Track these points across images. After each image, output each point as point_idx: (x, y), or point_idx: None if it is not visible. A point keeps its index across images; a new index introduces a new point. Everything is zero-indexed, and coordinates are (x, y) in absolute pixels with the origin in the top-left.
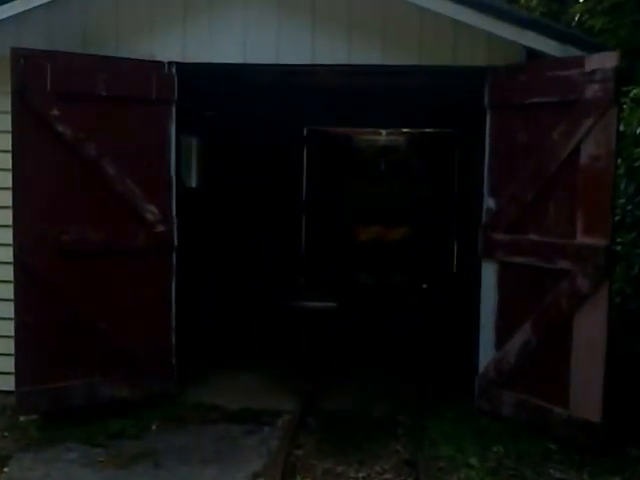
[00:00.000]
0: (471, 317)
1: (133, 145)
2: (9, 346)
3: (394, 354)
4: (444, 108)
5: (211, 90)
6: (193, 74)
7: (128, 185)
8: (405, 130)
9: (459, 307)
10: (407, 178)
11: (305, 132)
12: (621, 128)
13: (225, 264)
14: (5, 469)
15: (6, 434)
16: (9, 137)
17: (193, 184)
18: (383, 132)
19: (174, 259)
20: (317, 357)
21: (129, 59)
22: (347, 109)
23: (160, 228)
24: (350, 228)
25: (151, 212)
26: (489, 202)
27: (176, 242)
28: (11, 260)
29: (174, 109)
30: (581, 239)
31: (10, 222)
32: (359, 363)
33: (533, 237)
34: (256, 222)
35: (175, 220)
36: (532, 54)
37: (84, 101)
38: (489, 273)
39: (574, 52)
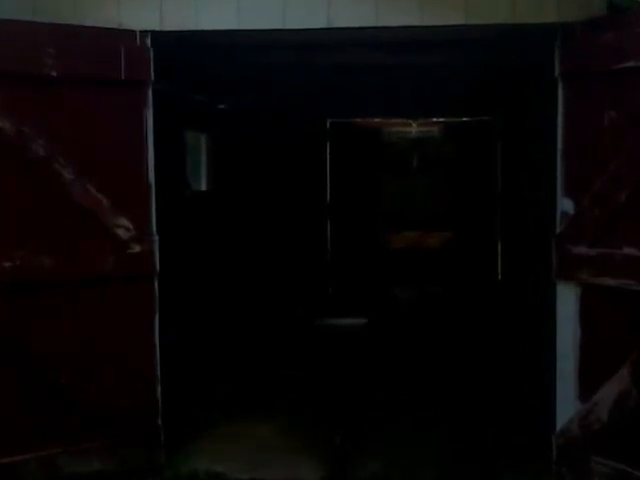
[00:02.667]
0: (531, 342)
1: (96, 141)
2: None
3: (437, 386)
4: (491, 91)
5: (211, 75)
6: (178, 49)
7: (91, 193)
8: (442, 120)
9: (511, 327)
10: (444, 175)
11: (328, 125)
12: None
13: (239, 274)
14: None
15: None
16: None
17: (203, 187)
18: (416, 123)
19: (156, 288)
20: (345, 391)
21: (88, 27)
22: (375, 96)
23: (136, 248)
24: (381, 233)
25: (123, 227)
26: (565, 204)
27: (158, 266)
28: None
29: (150, 92)
30: None
31: None
32: (397, 399)
33: (629, 251)
34: (274, 227)
35: (156, 237)
36: (613, 6)
37: (28, 84)
38: (568, 299)
39: None
